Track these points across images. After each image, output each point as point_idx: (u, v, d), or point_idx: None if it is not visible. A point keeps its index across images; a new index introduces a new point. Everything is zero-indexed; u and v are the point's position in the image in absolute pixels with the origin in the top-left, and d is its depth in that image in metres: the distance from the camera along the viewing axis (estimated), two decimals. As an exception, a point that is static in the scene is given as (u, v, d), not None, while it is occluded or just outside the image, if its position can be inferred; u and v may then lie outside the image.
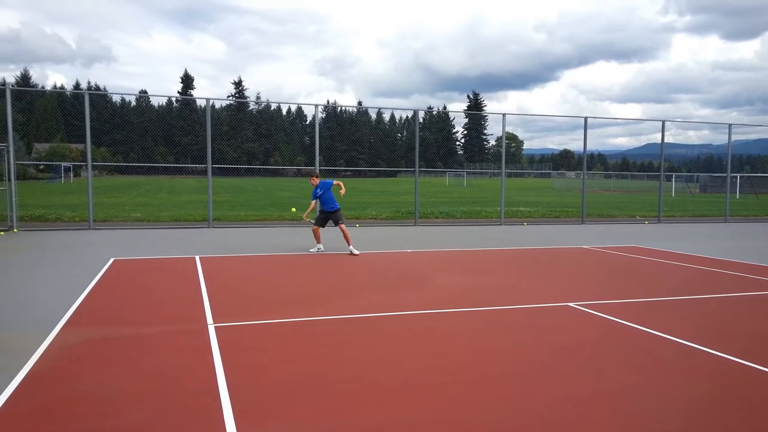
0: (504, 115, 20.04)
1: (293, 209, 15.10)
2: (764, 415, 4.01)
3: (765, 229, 19.67)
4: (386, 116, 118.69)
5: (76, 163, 49.82)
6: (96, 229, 16.05)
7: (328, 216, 11.78)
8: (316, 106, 18.85)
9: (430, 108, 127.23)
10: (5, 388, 4.25)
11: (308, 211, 12.02)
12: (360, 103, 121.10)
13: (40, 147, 65.81)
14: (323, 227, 11.95)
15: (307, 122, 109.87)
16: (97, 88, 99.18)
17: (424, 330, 6.15)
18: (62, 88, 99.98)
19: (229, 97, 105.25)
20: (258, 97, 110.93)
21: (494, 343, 5.77)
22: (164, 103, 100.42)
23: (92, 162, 16.37)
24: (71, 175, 58.08)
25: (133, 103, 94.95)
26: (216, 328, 5.99)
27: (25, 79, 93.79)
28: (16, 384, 4.36)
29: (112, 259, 10.49)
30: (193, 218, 18.89)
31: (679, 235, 16.97)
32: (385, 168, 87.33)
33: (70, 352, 5.22)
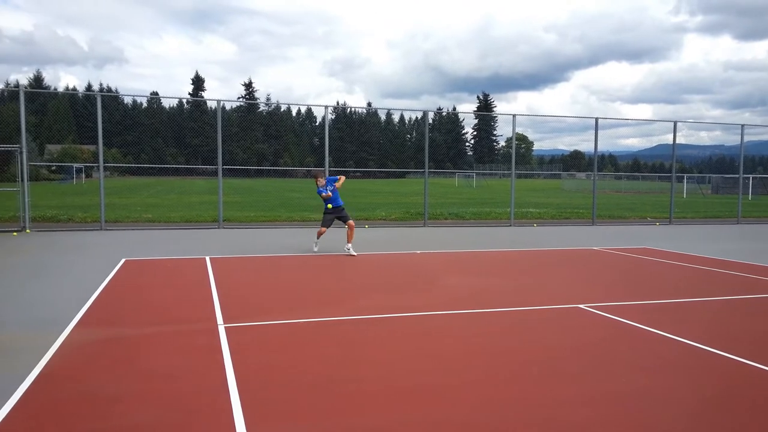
0: (514, 116, 19.98)
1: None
2: (776, 418, 3.98)
3: (778, 230, 19.48)
4: (396, 117, 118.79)
5: (87, 164, 50.14)
6: (107, 229, 16.17)
7: (335, 215, 11.77)
8: (326, 107, 18.90)
9: (439, 109, 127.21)
10: (18, 387, 4.29)
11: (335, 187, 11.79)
12: (369, 104, 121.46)
13: (53, 148, 66.35)
14: (329, 227, 11.90)
15: (317, 123, 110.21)
16: (109, 89, 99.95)
17: (432, 331, 6.15)
18: (74, 89, 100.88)
19: (239, 98, 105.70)
20: (268, 99, 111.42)
21: (503, 344, 5.75)
22: (175, 105, 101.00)
23: (104, 163, 16.50)
24: (83, 176, 58.59)
25: (145, 104, 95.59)
26: (226, 328, 6.02)
27: (37, 80, 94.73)
28: (29, 383, 4.40)
29: (123, 260, 10.57)
30: (204, 219, 18.98)
31: (691, 236, 16.84)
32: (395, 169, 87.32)
33: (81, 351, 5.26)
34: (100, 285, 8.24)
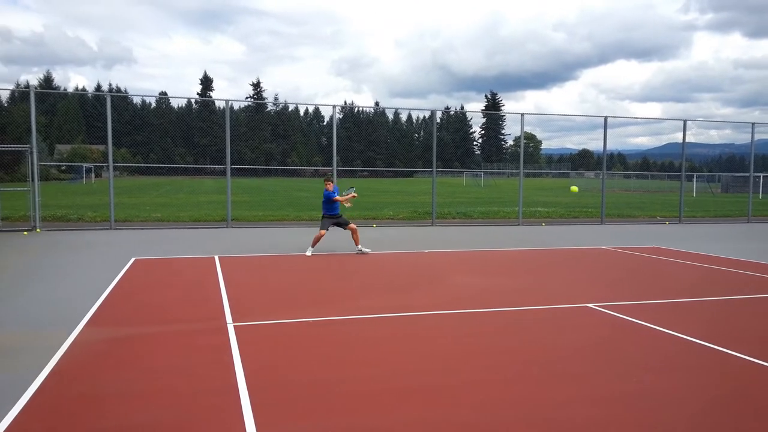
0: (522, 114, 19.93)
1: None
2: (787, 418, 3.95)
3: (789, 229, 19.33)
4: (403, 116, 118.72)
5: (97, 164, 50.42)
6: (117, 229, 16.26)
7: (332, 220, 11.78)
8: (334, 106, 18.93)
9: (447, 108, 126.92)
10: (30, 385, 4.33)
11: (345, 199, 11.81)
12: (377, 104, 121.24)
13: (62, 148, 66.79)
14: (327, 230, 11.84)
15: (324, 123, 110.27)
16: (118, 89, 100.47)
17: (440, 330, 6.15)
18: (84, 90, 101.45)
19: (247, 98, 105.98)
20: (276, 98, 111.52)
21: (511, 344, 5.74)
22: (184, 105, 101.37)
23: (113, 163, 16.60)
24: (92, 175, 58.95)
25: (154, 104, 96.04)
26: (235, 327, 6.05)
27: (47, 81, 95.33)
28: (41, 381, 4.44)
29: (133, 259, 10.63)
30: (212, 218, 19.05)
31: (700, 235, 16.74)
32: (402, 168, 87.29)
33: (91, 350, 5.30)
34: (109, 284, 8.30)
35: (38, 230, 15.35)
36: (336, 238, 12.72)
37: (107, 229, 16.24)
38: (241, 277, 9.22)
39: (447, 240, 14.80)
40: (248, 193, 37.93)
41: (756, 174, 25.49)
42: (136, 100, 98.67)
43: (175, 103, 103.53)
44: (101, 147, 59.53)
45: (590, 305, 7.24)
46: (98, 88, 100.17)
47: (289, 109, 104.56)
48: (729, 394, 4.39)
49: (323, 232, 11.71)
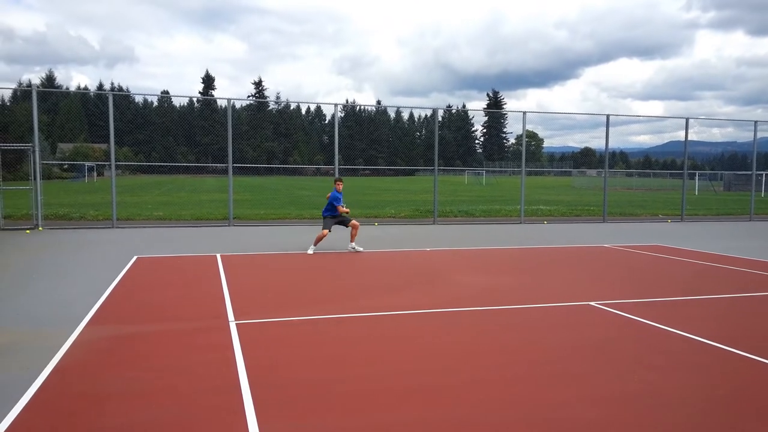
0: (524, 113, 19.92)
1: None
2: (790, 416, 3.94)
3: (791, 227, 19.28)
4: (405, 115, 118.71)
5: (99, 163, 50.51)
6: (119, 227, 16.28)
7: (335, 219, 11.83)
8: (336, 105, 18.95)
9: (449, 106, 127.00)
10: (32, 384, 4.34)
11: (344, 210, 11.84)
12: (379, 102, 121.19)
13: (65, 147, 66.93)
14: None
15: (326, 121, 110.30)
16: (120, 88, 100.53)
17: (442, 329, 6.14)
18: (86, 89, 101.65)
19: (249, 97, 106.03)
20: (278, 97, 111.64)
21: (512, 342, 5.74)
22: (186, 104, 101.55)
23: (115, 161, 16.62)
24: (95, 174, 59.02)
25: (155, 103, 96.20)
26: (237, 325, 6.05)
27: (49, 80, 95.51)
28: (43, 379, 4.44)
29: (135, 257, 10.64)
30: (214, 217, 19.07)
31: (703, 234, 16.72)
32: (404, 167, 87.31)
33: (93, 349, 5.30)
34: (112, 282, 8.31)
35: (40, 229, 15.38)
36: (338, 237, 12.72)
37: (109, 227, 16.26)
38: (242, 275, 9.22)
39: (449, 238, 14.79)
40: (250, 191, 37.96)
41: (758, 172, 25.43)
42: (138, 98, 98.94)
43: (177, 101, 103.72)
44: (103, 146, 59.62)
45: (592, 303, 7.23)
46: (100, 86, 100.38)
47: (291, 108, 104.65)
48: (732, 393, 4.38)
49: (326, 232, 11.72)
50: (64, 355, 5.05)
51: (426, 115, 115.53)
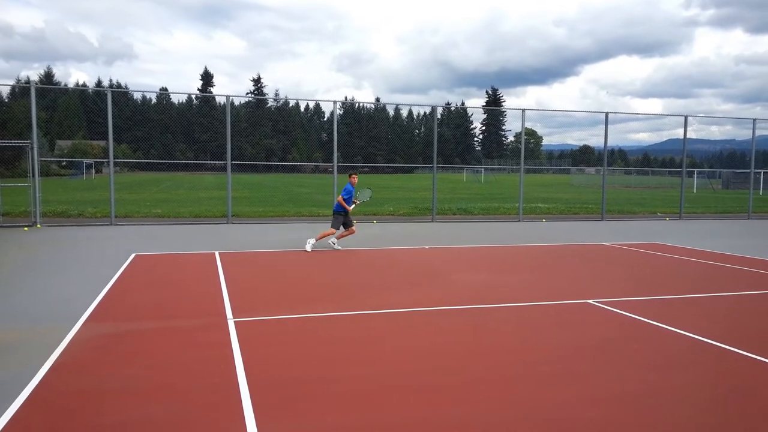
0: (523, 110, 19.89)
1: None
2: (788, 414, 3.95)
3: (790, 226, 19.31)
4: (404, 112, 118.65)
5: (97, 160, 50.48)
6: (117, 224, 16.27)
7: (344, 217, 11.86)
8: (335, 102, 18.94)
9: (448, 104, 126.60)
10: (29, 381, 4.33)
11: (354, 206, 11.94)
12: (378, 100, 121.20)
13: (63, 144, 66.86)
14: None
15: (325, 119, 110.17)
16: (119, 85, 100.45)
17: (440, 327, 6.14)
18: (84, 85, 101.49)
19: (248, 94, 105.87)
20: (276, 94, 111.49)
21: (510, 341, 5.74)
22: (184, 101, 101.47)
23: (114, 159, 16.59)
24: (93, 171, 58.93)
25: (154, 100, 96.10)
26: (235, 323, 6.05)
27: (48, 77, 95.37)
28: (41, 377, 4.43)
29: (133, 255, 10.63)
30: (213, 214, 19.06)
31: (701, 232, 16.73)
32: (403, 164, 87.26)
33: (91, 346, 5.30)
34: (110, 280, 8.30)
35: (39, 226, 15.35)
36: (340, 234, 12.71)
37: (107, 224, 16.24)
38: (241, 273, 9.21)
39: (447, 236, 14.79)
40: (248, 189, 37.93)
41: (757, 170, 25.47)
42: (137, 95, 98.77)
43: (176, 98, 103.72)
44: (102, 143, 59.53)
45: (591, 301, 7.24)
46: (99, 83, 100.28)
47: (290, 105, 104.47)
48: (731, 392, 4.38)
49: (334, 230, 11.75)
50: (62, 352, 5.04)
51: (425, 113, 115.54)
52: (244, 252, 11.38)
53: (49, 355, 4.93)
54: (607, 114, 20.51)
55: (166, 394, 4.15)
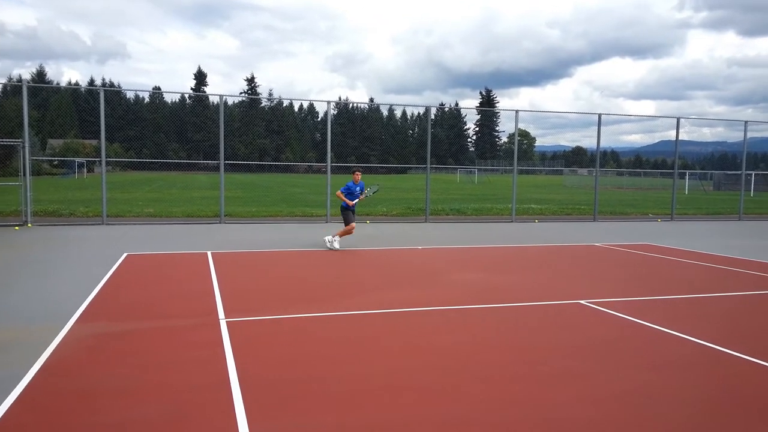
0: (517, 111, 19.96)
1: None
2: (776, 414, 3.98)
3: (780, 227, 19.45)
4: (398, 113, 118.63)
5: (89, 159, 50.22)
6: (109, 224, 16.20)
7: (352, 214, 12.03)
8: (329, 102, 18.94)
9: (441, 104, 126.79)
10: (20, 381, 4.31)
11: (362, 198, 12.10)
12: (371, 100, 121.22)
13: (55, 143, 66.43)
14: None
15: (319, 119, 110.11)
16: (111, 84, 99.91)
17: (434, 327, 6.15)
18: (77, 84, 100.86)
19: (241, 93, 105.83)
20: (270, 94, 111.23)
21: (503, 341, 5.76)
22: (177, 100, 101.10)
23: (106, 158, 16.52)
24: (85, 170, 58.61)
25: (147, 99, 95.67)
26: (227, 323, 6.04)
27: (40, 75, 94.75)
28: (31, 377, 4.41)
29: (124, 254, 10.59)
30: (205, 214, 19.00)
31: (693, 233, 16.83)
32: (396, 165, 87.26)
33: (82, 346, 5.28)
34: (101, 279, 8.26)
35: (30, 225, 15.27)
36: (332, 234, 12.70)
37: (99, 224, 16.17)
38: (233, 272, 9.20)
39: (440, 237, 14.81)
40: (241, 188, 37.83)
41: (748, 172, 25.65)
42: (130, 94, 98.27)
43: (169, 98, 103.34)
44: (94, 142, 59.22)
45: (582, 302, 7.27)
46: (91, 82, 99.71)
47: (284, 105, 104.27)
48: (726, 392, 4.41)
49: (353, 225, 11.87)
50: (53, 352, 5.02)
51: (419, 113, 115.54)
52: (237, 252, 11.36)
53: (40, 355, 4.90)
54: (599, 115, 20.60)
55: (158, 394, 4.14)
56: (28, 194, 15.37)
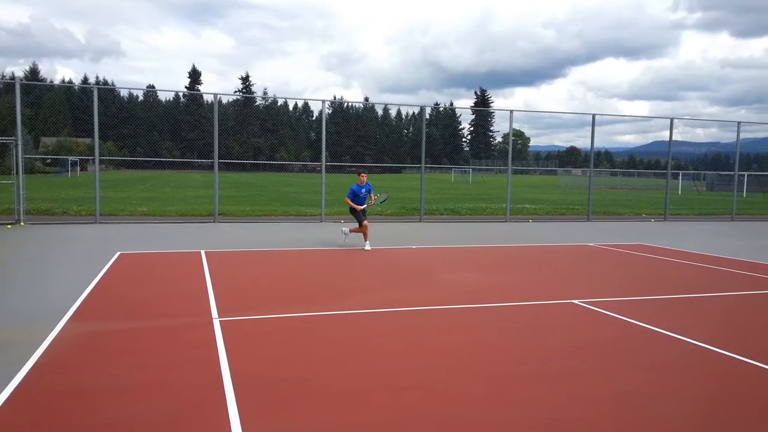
0: (511, 111, 19.96)
1: None
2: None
3: (772, 228, 19.55)
4: (393, 112, 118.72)
5: (83, 157, 49.94)
6: (102, 223, 16.13)
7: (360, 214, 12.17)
8: (323, 101, 18.94)
9: (436, 104, 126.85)
10: (11, 380, 4.28)
11: (370, 203, 12.38)
12: (366, 99, 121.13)
13: (48, 141, 65.98)
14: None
15: (314, 118, 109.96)
16: (105, 82, 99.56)
17: (432, 327, 6.16)
18: (70, 82, 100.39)
19: (236, 92, 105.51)
20: (265, 93, 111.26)
21: (496, 340, 5.76)
22: (171, 98, 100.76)
23: (99, 156, 16.46)
24: (78, 169, 58.29)
25: (141, 97, 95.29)
26: (221, 322, 6.02)
27: (33, 73, 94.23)
28: (22, 376, 4.39)
29: (118, 253, 10.55)
30: (199, 213, 18.95)
31: (686, 233, 16.90)
32: (391, 164, 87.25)
33: (75, 345, 5.25)
34: (94, 278, 8.23)
35: (22, 224, 15.19)
36: (328, 233, 12.70)
37: (92, 223, 16.10)
38: (227, 272, 9.18)
39: (435, 236, 14.83)
40: (236, 187, 37.74)
41: (741, 173, 25.75)
42: (124, 93, 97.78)
43: (163, 96, 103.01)
44: (87, 140, 58.93)
45: (575, 301, 7.29)
46: (85, 80, 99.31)
47: (278, 104, 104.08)
48: (721, 391, 4.43)
49: (366, 223, 12.06)
50: (45, 351, 5.00)
51: (414, 113, 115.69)
52: (231, 251, 11.33)
53: (32, 355, 4.88)
54: (593, 116, 20.66)
55: (150, 393, 4.13)
56: (21, 192, 15.29)
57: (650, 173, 65.34)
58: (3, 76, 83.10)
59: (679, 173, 47.21)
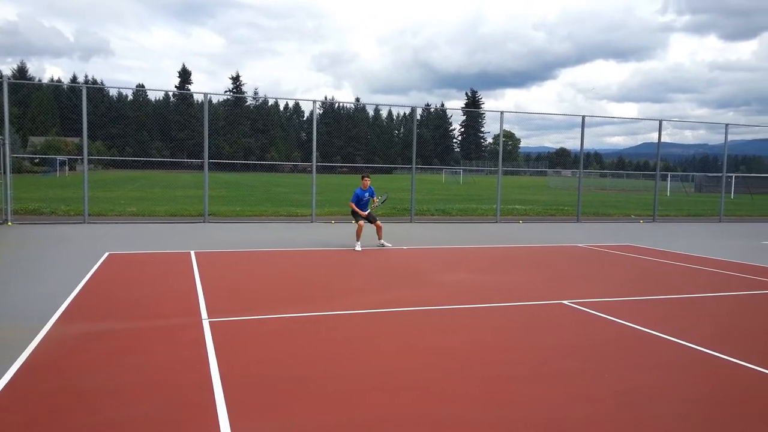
0: (502, 113, 20.02)
1: None
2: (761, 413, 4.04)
3: (759, 229, 19.75)
4: (384, 113, 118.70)
5: (71, 157, 49.58)
6: (91, 223, 16.02)
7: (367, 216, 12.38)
8: (314, 102, 18.89)
9: (427, 105, 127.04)
10: (0, 379, 4.25)
11: (373, 206, 12.64)
12: (358, 100, 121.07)
13: (36, 140, 65.45)
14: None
15: (305, 118, 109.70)
16: (94, 81, 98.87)
17: (426, 327, 6.16)
18: (59, 81, 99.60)
19: (226, 92, 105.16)
20: (255, 93, 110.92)
21: (486, 341, 5.78)
22: (161, 98, 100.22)
23: (88, 156, 16.35)
24: (66, 168, 57.87)
25: (130, 97, 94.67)
26: (210, 323, 6.00)
27: (21, 72, 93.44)
28: (8, 378, 4.35)
29: (106, 254, 10.48)
30: (189, 213, 18.86)
31: (674, 234, 17.03)
32: (382, 165, 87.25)
33: (63, 346, 5.21)
34: (82, 279, 8.17)
35: (10, 224, 15.05)
36: (323, 233, 12.68)
37: (81, 223, 15.99)
38: (217, 272, 9.14)
39: (426, 237, 14.84)
40: (226, 187, 37.59)
41: (728, 174, 25.98)
42: (113, 92, 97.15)
43: (152, 95, 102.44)
44: (76, 139, 58.43)
45: (565, 302, 7.32)
46: (74, 79, 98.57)
47: (269, 104, 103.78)
48: (711, 391, 4.47)
49: (362, 223, 12.19)
50: (33, 352, 4.95)
51: (405, 114, 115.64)
52: (221, 252, 11.29)
53: (20, 356, 4.83)
54: (583, 117, 20.75)
55: (138, 395, 4.10)
56: (9, 192, 15.16)
57: (639, 175, 65.77)
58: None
59: (667, 175, 47.50)
